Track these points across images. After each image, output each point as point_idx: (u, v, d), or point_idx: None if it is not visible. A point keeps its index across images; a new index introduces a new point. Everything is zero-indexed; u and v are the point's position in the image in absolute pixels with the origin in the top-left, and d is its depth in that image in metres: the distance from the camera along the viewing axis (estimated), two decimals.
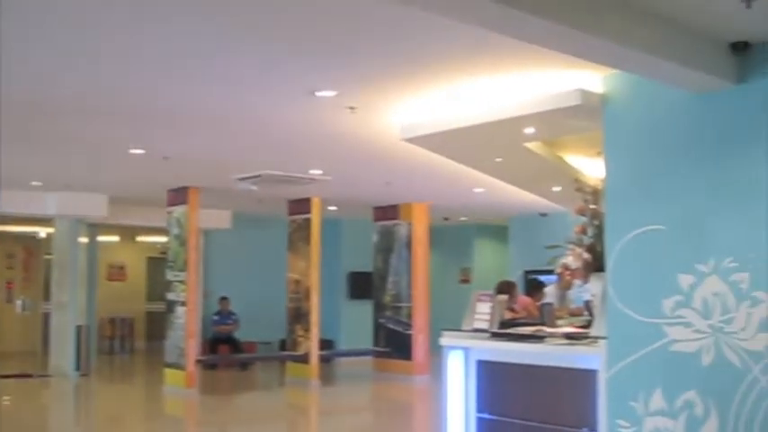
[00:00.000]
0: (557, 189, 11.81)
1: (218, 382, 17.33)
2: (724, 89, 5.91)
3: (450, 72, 7.06)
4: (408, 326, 16.43)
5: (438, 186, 14.24)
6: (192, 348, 14.43)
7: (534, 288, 11.43)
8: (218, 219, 18.00)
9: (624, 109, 6.58)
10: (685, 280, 6.06)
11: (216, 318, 18.76)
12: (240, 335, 18.71)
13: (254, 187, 13.32)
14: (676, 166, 6.21)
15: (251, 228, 19.65)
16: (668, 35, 5.42)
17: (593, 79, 6.77)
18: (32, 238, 20.36)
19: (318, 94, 7.67)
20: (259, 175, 12.62)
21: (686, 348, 6.03)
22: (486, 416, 7.33)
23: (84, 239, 17.45)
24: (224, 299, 18.88)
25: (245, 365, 18.52)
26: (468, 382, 7.49)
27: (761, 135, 5.77)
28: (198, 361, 15.13)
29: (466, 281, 21.84)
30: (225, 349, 18.28)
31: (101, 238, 19.61)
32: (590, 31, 4.93)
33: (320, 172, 12.68)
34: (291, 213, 16.36)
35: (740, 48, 5.82)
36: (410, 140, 8.84)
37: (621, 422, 6.33)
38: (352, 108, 8.21)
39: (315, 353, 15.72)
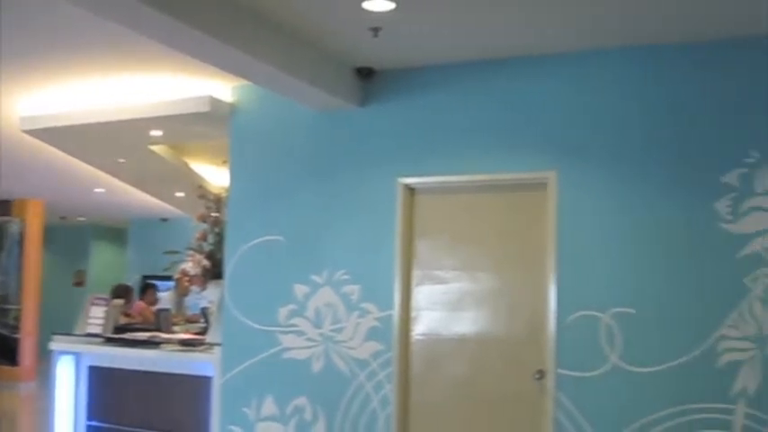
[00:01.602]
0: (180, 195, 11.75)
1: None
2: (348, 110, 6.22)
3: (78, 66, 6.79)
4: (16, 329, 15.56)
5: (57, 183, 13.62)
6: None
7: (150, 293, 11.31)
8: None
9: (251, 120, 6.70)
10: (300, 290, 6.29)
11: None
12: None
13: None
14: (298, 179, 6.42)
15: None
16: (298, 54, 5.61)
17: (225, 88, 6.83)
18: None
19: None
20: None
21: (298, 356, 6.26)
22: (96, 423, 7.16)
23: None
24: None
25: None
26: (78, 389, 7.27)
27: (378, 157, 6.14)
28: None
29: (80, 283, 21.10)
30: None
31: None
32: (221, 39, 4.94)
33: None
34: None
35: (365, 73, 6.15)
36: (30, 133, 8.40)
37: (234, 428, 6.42)
38: None
39: None
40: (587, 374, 5.48)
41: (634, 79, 5.57)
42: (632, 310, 5.41)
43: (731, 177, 5.30)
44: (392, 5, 4.86)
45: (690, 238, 5.36)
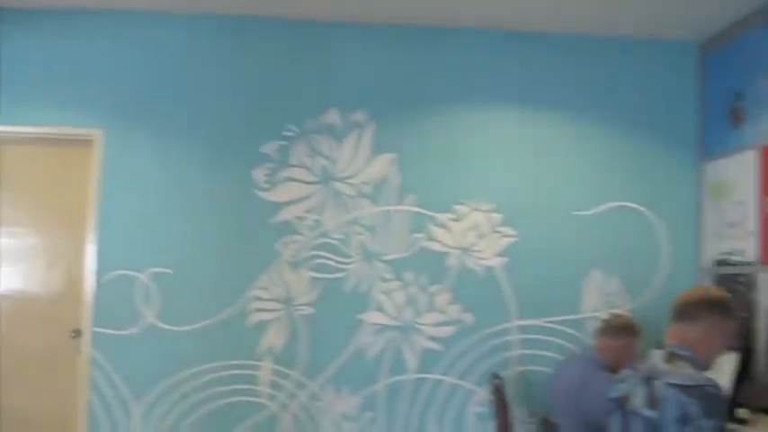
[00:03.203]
0: None
1: None
2: None
3: None
4: None
5: None
6: None
7: None
8: None
9: None
10: None
11: None
12: None
13: None
14: None
15: None
16: None
17: None
18: None
19: None
20: None
21: None
22: None
23: None
24: None
25: None
26: None
27: None
28: None
29: None
30: None
31: None
32: None
33: None
34: None
35: None
36: None
37: None
38: None
39: None
40: (124, 333, 5.55)
41: (186, 47, 5.69)
42: (170, 271, 5.57)
43: (270, 148, 5.62)
44: None
45: (229, 203, 5.61)
